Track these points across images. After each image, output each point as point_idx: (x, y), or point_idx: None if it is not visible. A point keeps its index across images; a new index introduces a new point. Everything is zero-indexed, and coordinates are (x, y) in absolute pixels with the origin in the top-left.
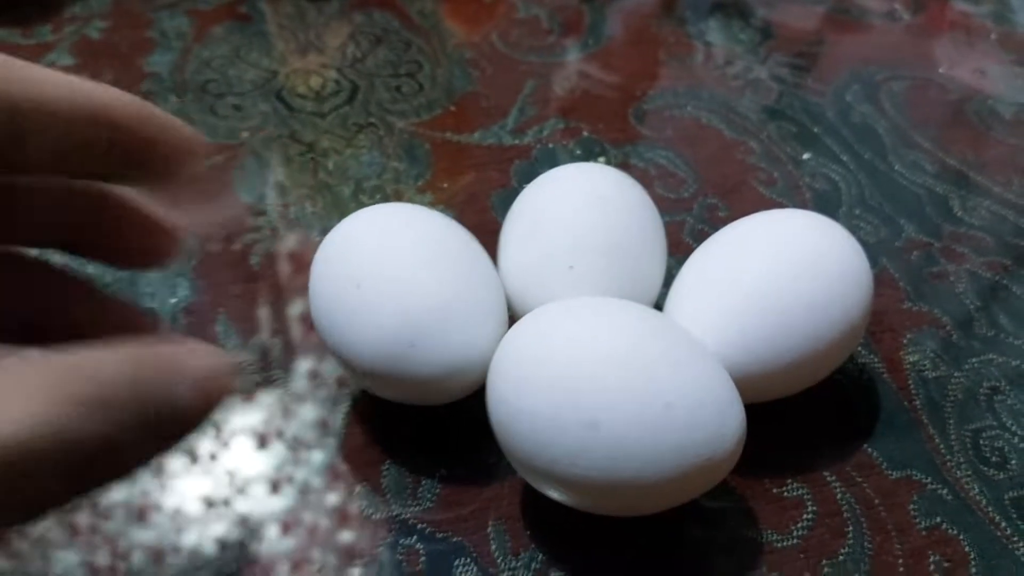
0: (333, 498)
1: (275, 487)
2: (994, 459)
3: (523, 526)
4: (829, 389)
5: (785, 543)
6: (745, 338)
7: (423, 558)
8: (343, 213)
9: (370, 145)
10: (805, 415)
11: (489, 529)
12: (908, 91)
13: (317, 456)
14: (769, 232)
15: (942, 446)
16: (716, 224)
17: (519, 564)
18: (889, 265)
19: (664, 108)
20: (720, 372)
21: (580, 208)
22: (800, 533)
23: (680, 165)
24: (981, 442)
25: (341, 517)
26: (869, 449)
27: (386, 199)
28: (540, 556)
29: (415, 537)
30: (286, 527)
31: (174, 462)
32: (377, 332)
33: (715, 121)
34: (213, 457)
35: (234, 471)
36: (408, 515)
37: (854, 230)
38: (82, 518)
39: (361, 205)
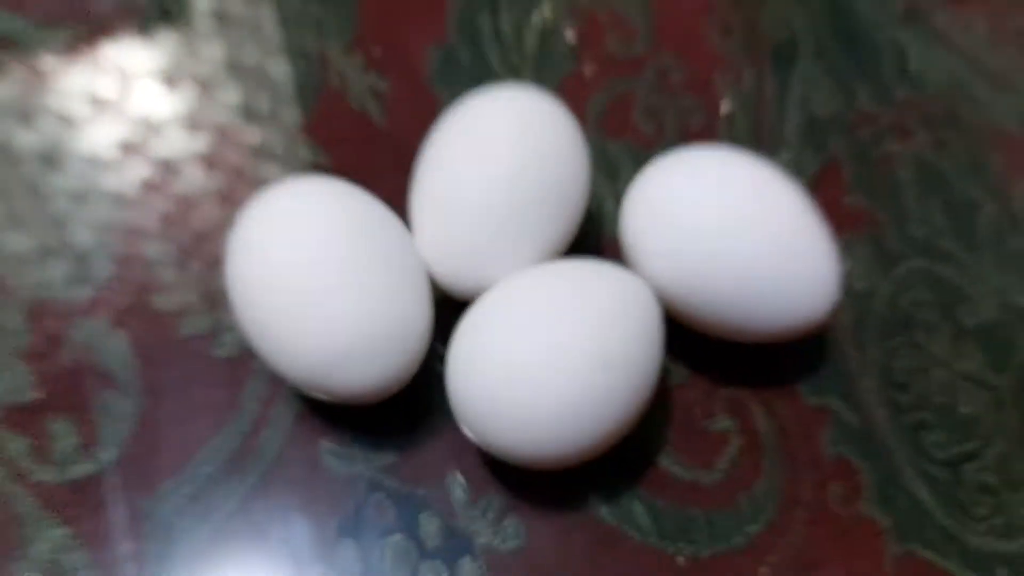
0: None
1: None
2: (898, 380)
3: (480, 470)
4: None
5: (708, 478)
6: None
7: (389, 507)
8: None
9: None
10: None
11: (448, 480)
12: None
13: (232, 96)
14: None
15: (857, 368)
16: (671, 95)
17: (481, 511)
18: (836, 150)
19: None
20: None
21: (503, 163)
22: (723, 468)
23: (633, 6)
24: (894, 362)
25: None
26: (792, 373)
27: (310, 65)
28: (496, 500)
29: (380, 494)
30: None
31: (79, 107)
32: (296, 350)
33: None
34: (121, 103)
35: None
36: (375, 472)
37: (805, 101)
38: None
39: None
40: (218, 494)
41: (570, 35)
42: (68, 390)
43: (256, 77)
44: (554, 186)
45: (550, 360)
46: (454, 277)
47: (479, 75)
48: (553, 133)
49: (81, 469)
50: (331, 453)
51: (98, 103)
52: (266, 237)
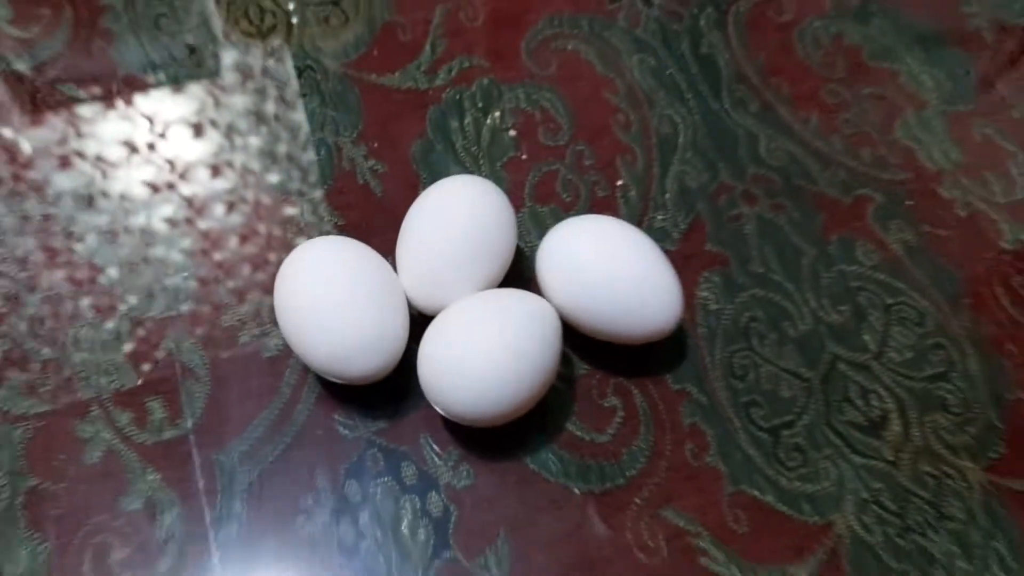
0: (273, 178)
1: (216, 171)
2: (738, 372)
3: (444, 433)
4: None
5: (601, 437)
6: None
7: (380, 461)
8: None
9: (310, 90)
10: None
11: (422, 441)
12: (749, 14)
13: (253, 142)
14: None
15: (708, 364)
16: (582, 175)
17: (445, 461)
18: (702, 211)
19: (549, 38)
20: (547, 318)
21: (448, 228)
22: (611, 432)
23: (559, 109)
24: (734, 362)
25: (282, 194)
26: (663, 367)
27: (329, 153)
28: (455, 452)
29: (375, 449)
30: (231, 205)
31: (114, 152)
32: (320, 348)
33: (589, 54)
34: (152, 147)
35: (174, 159)
36: (362, 437)
37: (682, 176)
38: (31, 206)
39: None
40: (264, 450)
41: (513, 131)
42: (160, 380)
43: (291, 162)
44: (491, 242)
45: (486, 353)
46: (424, 301)
47: (448, 160)
48: (492, 208)
49: (169, 434)
50: (340, 422)
51: (132, 148)
52: (300, 275)
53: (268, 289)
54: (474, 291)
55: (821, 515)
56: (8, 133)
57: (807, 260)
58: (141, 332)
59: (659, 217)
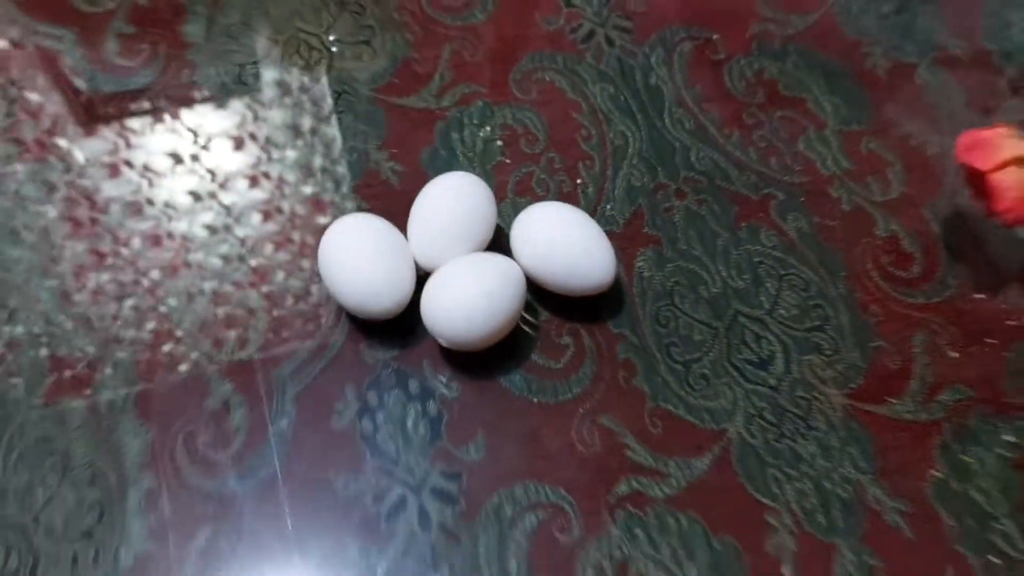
0: (308, 190)
1: (254, 182)
2: (663, 322)
3: (440, 360)
4: None
5: (556, 365)
6: (542, 264)
7: (393, 377)
8: None
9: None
10: (588, 297)
11: (424, 366)
12: (692, 52)
13: (290, 154)
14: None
15: (641, 315)
16: (553, 176)
17: (439, 379)
18: (643, 204)
19: (532, 71)
20: (515, 274)
21: (445, 207)
22: (564, 361)
23: (537, 125)
24: (660, 314)
25: (316, 205)
26: (606, 317)
27: (359, 156)
28: (447, 373)
29: (389, 369)
30: (267, 214)
31: (160, 162)
32: (350, 291)
33: (562, 83)
34: (195, 158)
35: (215, 169)
36: (380, 361)
37: (629, 177)
38: (82, 211)
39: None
40: (308, 368)
41: (500, 142)
42: (232, 319)
43: (325, 174)
44: (476, 219)
45: (470, 296)
46: (426, 260)
47: (450, 162)
48: (478, 194)
49: (239, 355)
50: (365, 347)
51: (176, 158)
52: (338, 239)
53: (300, 296)
54: (463, 254)
55: (717, 424)
56: (63, 144)
57: (721, 241)
58: (178, 332)
59: (609, 207)
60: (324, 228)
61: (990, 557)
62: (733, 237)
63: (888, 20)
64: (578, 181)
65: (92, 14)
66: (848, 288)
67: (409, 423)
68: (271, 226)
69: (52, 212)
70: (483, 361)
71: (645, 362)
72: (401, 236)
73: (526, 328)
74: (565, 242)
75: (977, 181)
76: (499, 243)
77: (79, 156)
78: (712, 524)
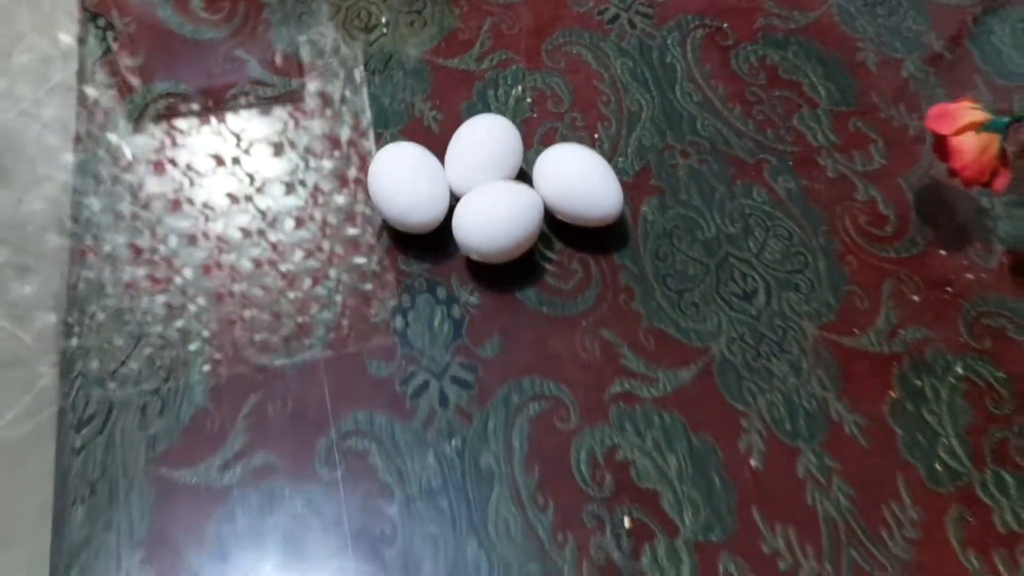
0: (340, 199)
1: (290, 188)
2: (661, 257)
3: (466, 274)
4: (608, 225)
5: (566, 287)
6: (558, 194)
7: (424, 284)
8: None
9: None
10: (597, 233)
11: (452, 277)
12: (704, 38)
13: (327, 164)
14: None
15: (642, 251)
16: (575, 132)
17: (464, 289)
18: (651, 160)
19: (562, 44)
20: (535, 200)
21: (479, 141)
22: (573, 284)
23: (563, 90)
24: (659, 250)
25: (348, 216)
26: (612, 249)
27: (407, 107)
28: (471, 285)
29: (417, 279)
30: (300, 221)
31: (203, 163)
32: (394, 206)
33: (587, 56)
34: (236, 161)
35: (254, 173)
36: (414, 272)
37: (641, 137)
38: (125, 207)
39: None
40: (354, 275)
41: (529, 100)
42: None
43: (359, 185)
44: (506, 152)
45: (494, 215)
46: (459, 185)
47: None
48: (507, 131)
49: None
50: (402, 259)
51: (219, 160)
52: (387, 160)
53: (324, 303)
54: (492, 180)
55: (702, 342)
56: (114, 139)
57: (718, 195)
58: (206, 333)
59: (621, 160)
60: (354, 239)
61: (936, 466)
62: (729, 192)
63: (881, 21)
64: (596, 136)
65: None
66: (827, 240)
67: (435, 322)
68: (303, 233)
69: (96, 204)
70: (502, 278)
71: (643, 289)
72: (439, 163)
73: (541, 249)
74: (580, 176)
75: (941, 145)
76: (523, 181)
77: (127, 151)
78: (692, 423)
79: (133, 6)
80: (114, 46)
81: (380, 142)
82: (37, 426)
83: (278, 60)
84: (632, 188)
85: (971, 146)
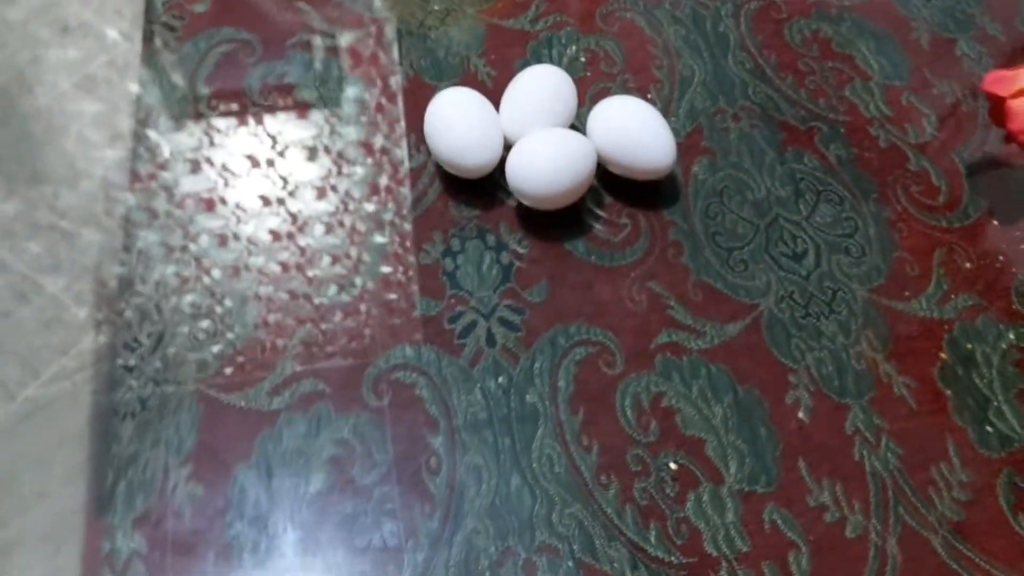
0: (370, 207)
1: (321, 193)
2: (711, 215)
3: (516, 222)
4: (660, 180)
5: (615, 239)
6: (613, 144)
7: (474, 230)
8: None
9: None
10: (647, 189)
11: (501, 225)
12: (756, 10)
13: (359, 171)
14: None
15: (692, 208)
16: (627, 92)
17: (513, 237)
18: (703, 122)
19: (616, 9)
20: (589, 148)
21: (535, 89)
22: (622, 237)
23: (616, 52)
24: (709, 209)
25: (377, 224)
26: (662, 205)
27: (462, 62)
28: (520, 234)
29: (472, 223)
30: (329, 227)
31: (238, 163)
32: (449, 147)
33: (641, 23)
34: (271, 163)
35: (287, 176)
36: (465, 217)
37: (693, 100)
38: (160, 204)
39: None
40: (409, 215)
41: (583, 60)
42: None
43: (389, 194)
44: (559, 99)
45: (547, 160)
46: (512, 130)
47: None
48: (562, 80)
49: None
50: (453, 204)
51: (253, 162)
52: (444, 102)
53: (349, 311)
54: (547, 127)
55: (751, 298)
56: (153, 135)
57: (768, 158)
58: (230, 335)
59: (673, 119)
60: (381, 247)
61: (986, 427)
62: (779, 156)
63: (935, 2)
64: (648, 96)
65: None
66: (878, 207)
67: (484, 266)
68: (331, 239)
69: (131, 200)
70: (552, 227)
71: (692, 244)
72: (493, 109)
73: (590, 204)
74: (635, 127)
75: (998, 109)
76: (576, 123)
77: (165, 149)
78: (739, 376)
79: None
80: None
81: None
82: (73, 386)
83: (335, 40)
84: (683, 148)
85: None
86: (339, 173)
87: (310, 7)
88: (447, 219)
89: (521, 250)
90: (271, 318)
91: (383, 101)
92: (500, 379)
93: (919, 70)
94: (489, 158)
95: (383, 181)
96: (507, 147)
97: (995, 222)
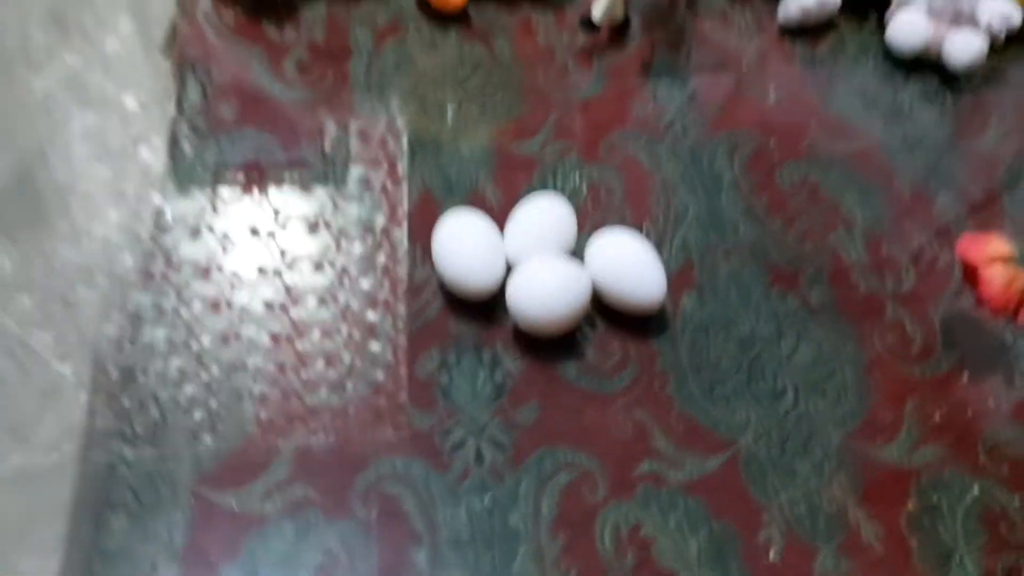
0: (366, 284)
1: (318, 267)
2: (697, 348)
3: (511, 342)
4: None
5: (605, 365)
6: (607, 278)
7: (471, 347)
8: None
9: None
10: (638, 318)
11: (498, 343)
12: (751, 153)
13: (357, 248)
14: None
15: (679, 340)
16: (625, 223)
17: (508, 355)
18: (694, 257)
19: (619, 143)
20: (585, 279)
21: (539, 217)
22: (611, 363)
23: (616, 183)
24: (695, 342)
25: (370, 302)
26: (651, 335)
27: (472, 183)
28: (515, 353)
29: (469, 340)
30: (322, 299)
31: (239, 233)
32: (454, 270)
33: (642, 157)
34: (271, 235)
35: (286, 249)
36: (463, 333)
37: (686, 235)
38: (157, 266)
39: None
40: (412, 327)
41: (585, 189)
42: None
43: (386, 273)
44: (561, 229)
45: (546, 289)
46: (515, 255)
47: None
48: (563, 211)
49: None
50: (453, 320)
51: (254, 232)
52: (451, 225)
53: (335, 387)
54: (546, 256)
55: (731, 434)
56: (158, 200)
57: (754, 296)
58: (213, 404)
59: (666, 253)
60: (372, 324)
61: None
62: (765, 296)
63: (919, 158)
64: (644, 228)
65: (279, 42)
66: (855, 352)
67: (478, 383)
68: (324, 313)
69: (129, 261)
70: (546, 349)
71: (678, 376)
72: (499, 234)
73: (584, 327)
74: (629, 262)
75: (971, 274)
76: (574, 252)
77: (168, 214)
78: (715, 510)
79: (225, 63)
80: (196, 101)
81: (442, 212)
82: (60, 456)
83: (347, 130)
84: (673, 282)
85: (999, 278)
86: (338, 249)
87: (330, 117)
88: (446, 334)
89: (515, 370)
90: (263, 414)
91: (388, 183)
92: (486, 498)
93: (899, 220)
94: (491, 282)
95: (381, 260)
96: (510, 268)
97: (966, 376)
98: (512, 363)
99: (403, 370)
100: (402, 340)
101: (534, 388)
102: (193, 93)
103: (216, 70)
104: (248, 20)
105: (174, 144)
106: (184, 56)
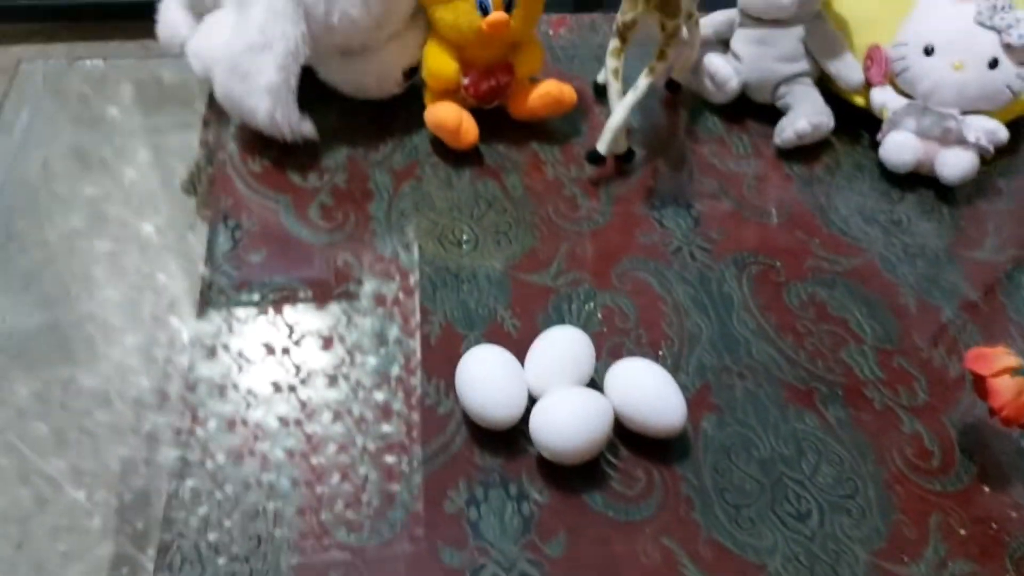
0: (380, 396)
1: (332, 381)
2: (720, 471)
3: (536, 472)
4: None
5: (630, 492)
6: (628, 405)
7: (497, 479)
8: None
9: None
10: (661, 443)
11: (523, 475)
12: (758, 273)
13: (371, 360)
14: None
15: (702, 464)
16: (640, 347)
17: (534, 487)
18: (710, 379)
19: (629, 269)
20: (607, 407)
21: (558, 349)
22: (636, 490)
23: (629, 309)
24: (718, 465)
25: (384, 412)
26: (674, 460)
27: (490, 313)
28: (541, 484)
29: (495, 473)
30: (337, 415)
31: (254, 351)
32: (477, 402)
33: (652, 282)
34: (285, 351)
35: (301, 364)
36: (489, 466)
37: (701, 357)
38: (173, 387)
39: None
40: (435, 462)
41: (599, 316)
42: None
43: (399, 383)
44: (580, 360)
45: (568, 420)
46: (537, 387)
47: (559, 324)
48: (582, 342)
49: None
50: (478, 453)
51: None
52: (473, 360)
53: (349, 502)
54: (567, 386)
55: (759, 558)
56: (175, 322)
57: (772, 417)
58: (227, 523)
59: (683, 376)
60: (386, 435)
61: None
62: (782, 415)
63: (920, 270)
64: (660, 353)
65: (303, 187)
66: (876, 469)
67: (506, 516)
68: (338, 427)
69: (145, 383)
70: (571, 479)
71: (702, 500)
72: (519, 366)
73: (608, 455)
74: (648, 389)
75: (980, 385)
76: (594, 388)
77: (185, 335)
78: None
79: (257, 213)
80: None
81: (465, 343)
82: None
83: (368, 264)
84: (692, 404)
85: (1009, 387)
86: (352, 363)
87: (354, 257)
88: (473, 467)
89: (542, 500)
90: (271, 506)
91: (401, 295)
92: None
93: (908, 335)
94: (513, 413)
95: (395, 371)
96: (531, 399)
97: (986, 488)
98: (539, 494)
99: (423, 520)
100: (419, 508)
101: (561, 519)
102: (224, 242)
103: (246, 219)
104: (273, 167)
105: (206, 290)
106: (214, 206)
